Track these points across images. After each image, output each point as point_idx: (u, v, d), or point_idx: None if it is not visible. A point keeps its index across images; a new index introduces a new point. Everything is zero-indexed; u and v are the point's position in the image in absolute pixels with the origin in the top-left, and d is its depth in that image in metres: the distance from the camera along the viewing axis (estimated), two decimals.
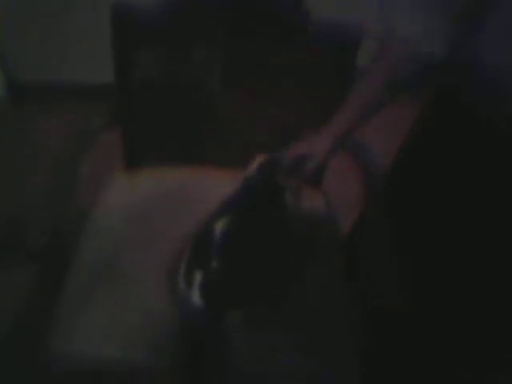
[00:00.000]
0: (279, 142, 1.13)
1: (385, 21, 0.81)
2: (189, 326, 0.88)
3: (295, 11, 1.02)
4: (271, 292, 0.91)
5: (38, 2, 1.93)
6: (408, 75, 0.83)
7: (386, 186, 1.06)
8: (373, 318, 0.99)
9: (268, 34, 1.06)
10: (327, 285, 1.02)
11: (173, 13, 1.03)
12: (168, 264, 0.96)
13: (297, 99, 1.12)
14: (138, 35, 1.07)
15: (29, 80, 2.14)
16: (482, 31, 0.71)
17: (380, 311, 0.98)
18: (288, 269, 0.92)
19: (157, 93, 1.15)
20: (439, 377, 0.97)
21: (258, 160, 0.96)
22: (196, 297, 0.87)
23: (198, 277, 0.88)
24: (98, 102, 1.18)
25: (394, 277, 0.91)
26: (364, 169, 1.08)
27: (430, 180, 0.93)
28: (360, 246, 1.11)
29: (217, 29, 1.07)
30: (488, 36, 0.71)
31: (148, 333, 0.90)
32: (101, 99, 1.22)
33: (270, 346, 0.90)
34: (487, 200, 0.81)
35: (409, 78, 0.84)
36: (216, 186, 1.14)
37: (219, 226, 0.90)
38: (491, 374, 0.90)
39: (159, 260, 0.98)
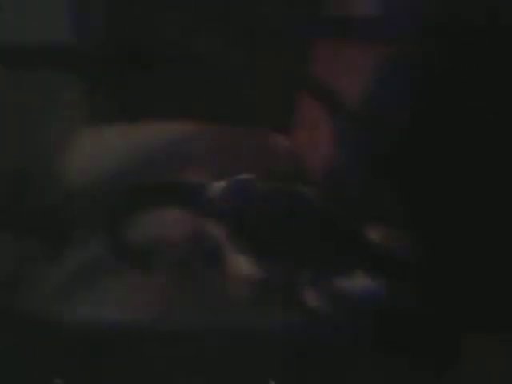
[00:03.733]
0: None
1: None
2: None
3: None
4: None
5: None
6: None
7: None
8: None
9: None
10: None
11: None
12: None
13: None
14: None
15: None
16: None
17: None
18: None
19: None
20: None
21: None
22: None
23: None
24: (59, 60, 1.13)
25: None
26: (333, 114, 1.08)
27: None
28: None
29: None
30: None
31: (149, 295, 0.88)
32: (63, 58, 1.18)
33: None
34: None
35: None
36: (185, 140, 1.16)
37: None
38: None
39: None
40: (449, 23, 0.90)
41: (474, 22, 0.87)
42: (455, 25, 0.89)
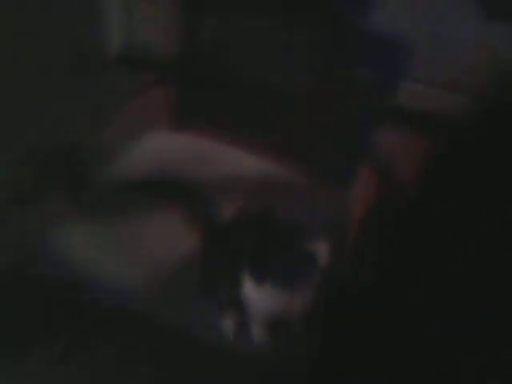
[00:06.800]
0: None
1: None
2: None
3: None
4: None
5: None
6: None
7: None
8: None
9: None
10: None
11: None
12: None
13: None
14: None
15: None
16: None
17: None
18: None
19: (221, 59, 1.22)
20: None
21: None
22: None
23: None
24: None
25: None
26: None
27: None
28: None
29: None
30: None
31: (140, 271, 0.96)
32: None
33: None
34: None
35: None
36: (247, 167, 1.20)
37: None
38: None
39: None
40: None
41: None
42: None
